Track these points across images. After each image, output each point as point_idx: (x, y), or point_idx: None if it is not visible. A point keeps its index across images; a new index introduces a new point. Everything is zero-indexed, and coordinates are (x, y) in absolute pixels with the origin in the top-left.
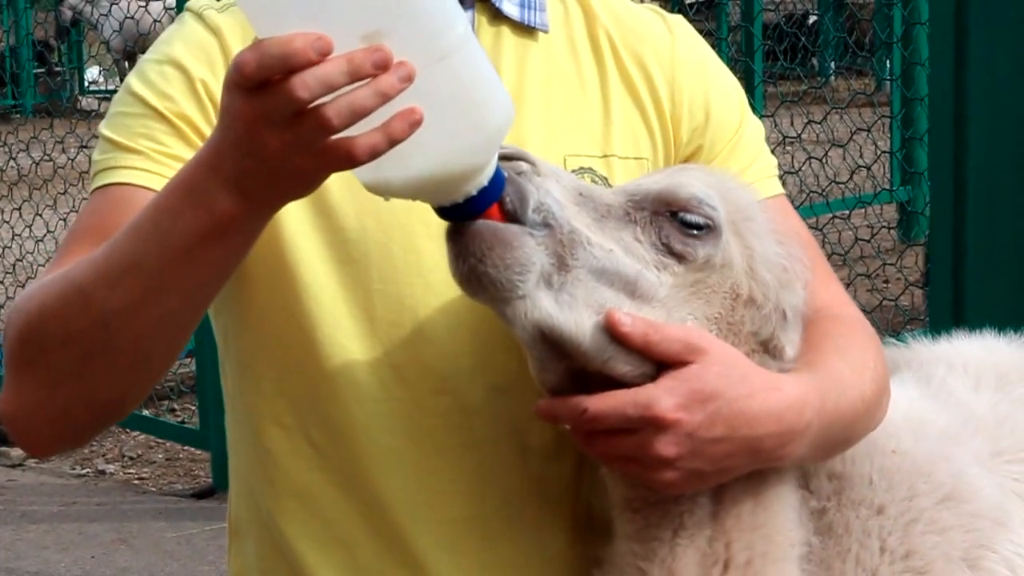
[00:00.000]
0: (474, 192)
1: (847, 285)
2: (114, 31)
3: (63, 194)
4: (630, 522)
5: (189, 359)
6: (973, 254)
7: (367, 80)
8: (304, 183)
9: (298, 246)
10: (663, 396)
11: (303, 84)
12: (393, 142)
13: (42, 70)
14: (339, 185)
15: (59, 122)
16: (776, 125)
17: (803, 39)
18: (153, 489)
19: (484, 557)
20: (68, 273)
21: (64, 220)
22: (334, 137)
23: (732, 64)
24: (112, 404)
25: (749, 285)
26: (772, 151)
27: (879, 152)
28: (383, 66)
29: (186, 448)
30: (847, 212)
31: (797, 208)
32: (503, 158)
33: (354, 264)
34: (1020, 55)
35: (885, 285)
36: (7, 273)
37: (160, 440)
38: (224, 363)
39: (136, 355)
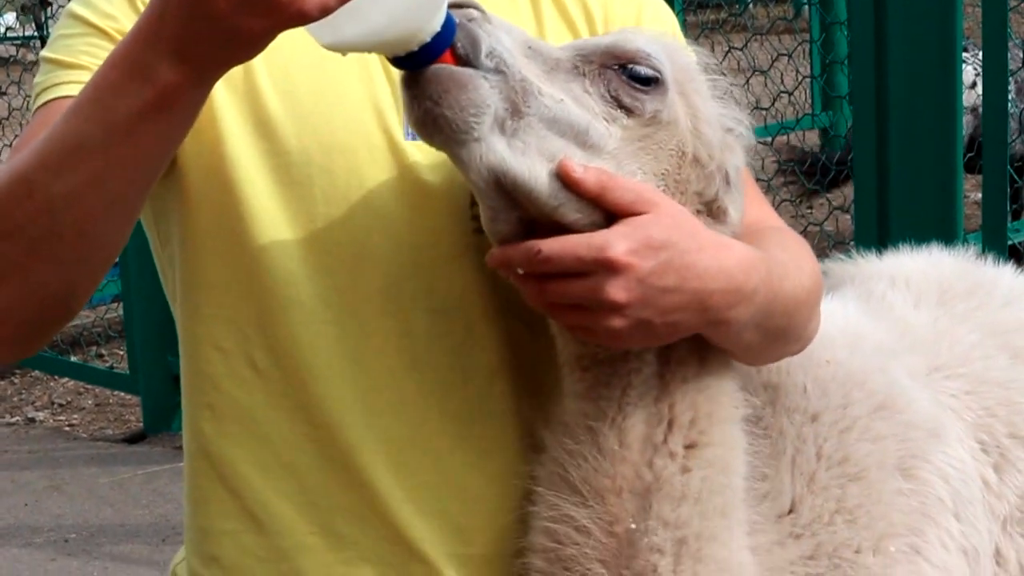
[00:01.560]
0: (427, 39)
1: (775, 207)
2: None
3: None
4: (579, 381)
5: (116, 304)
6: (896, 177)
7: None
8: (250, 44)
9: (241, 169)
10: (617, 240)
11: None
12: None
13: None
14: (281, 108)
15: None
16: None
17: None
18: (84, 435)
19: (428, 476)
20: (9, 167)
21: None
22: None
23: None
24: (59, 298)
25: (694, 144)
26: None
27: (800, 78)
28: None
29: (116, 393)
30: (770, 139)
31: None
32: (452, 6)
33: (297, 187)
34: None
35: (809, 211)
36: None
37: (89, 386)
38: (171, 294)
39: (82, 241)
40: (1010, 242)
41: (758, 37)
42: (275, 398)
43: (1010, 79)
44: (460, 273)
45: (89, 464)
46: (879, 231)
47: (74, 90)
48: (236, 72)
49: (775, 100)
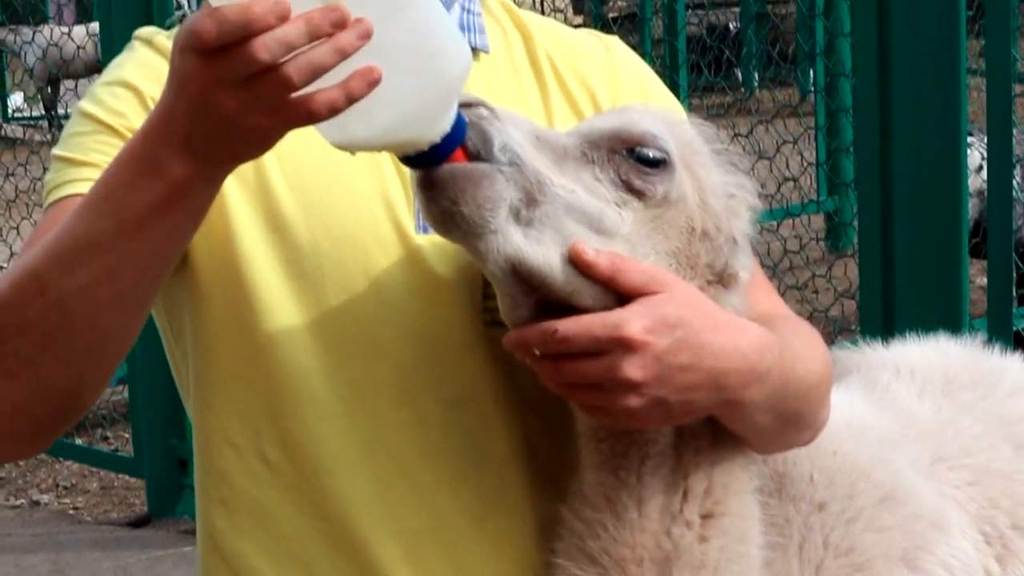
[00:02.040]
0: (438, 140)
1: (781, 294)
2: (37, 58)
3: None
4: (596, 452)
5: (122, 386)
6: (901, 263)
7: (324, 39)
8: (259, 142)
9: (251, 263)
10: (632, 318)
11: (264, 46)
12: (351, 100)
13: None
14: (292, 201)
15: None
16: None
17: (726, 52)
18: (88, 519)
19: (444, 568)
20: (20, 263)
21: None
22: (293, 95)
23: None
24: (70, 394)
25: (702, 218)
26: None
27: (805, 164)
28: (341, 24)
29: (120, 476)
30: (775, 224)
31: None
32: (462, 105)
33: (307, 279)
34: (942, 64)
35: (815, 296)
36: None
37: (94, 469)
38: (183, 388)
39: (93, 336)
40: (1016, 328)
41: (763, 122)
42: (288, 492)
43: (1016, 164)
44: (472, 363)
45: (93, 548)
46: (884, 317)
47: (85, 187)
48: (247, 165)
49: (780, 185)
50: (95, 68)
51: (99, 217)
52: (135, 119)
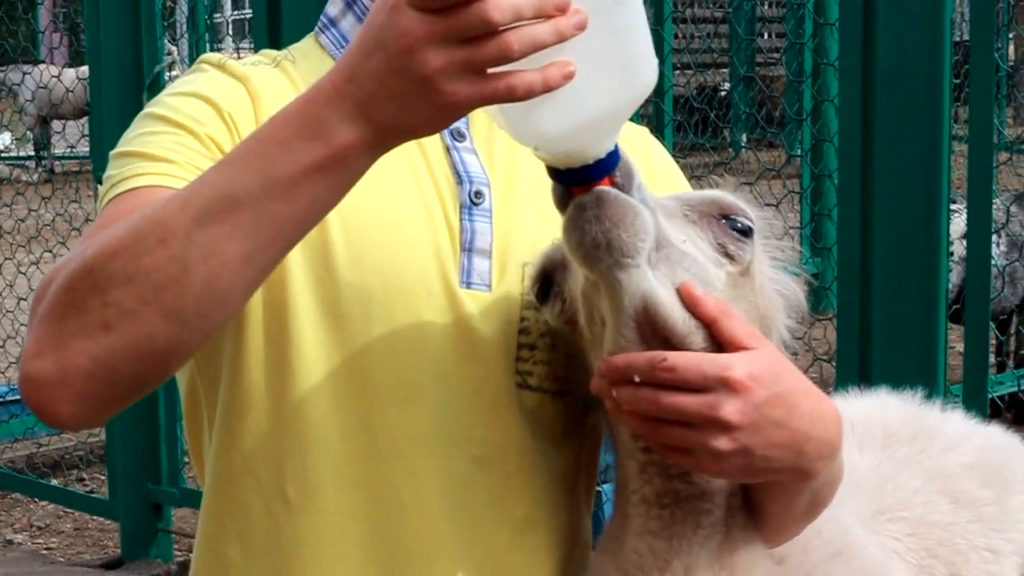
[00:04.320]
0: (603, 155)
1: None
2: (27, 100)
3: None
4: (656, 519)
5: (98, 428)
6: (879, 328)
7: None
8: (444, 114)
9: (298, 298)
10: (739, 363)
11: (497, 6)
12: (547, 87)
13: None
14: (344, 240)
15: None
16: None
17: (713, 113)
18: (61, 559)
19: None
20: (142, 212)
21: None
22: (495, 70)
23: None
24: (163, 354)
25: (763, 302)
26: None
27: (787, 227)
28: (563, 9)
29: (95, 518)
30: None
31: None
32: None
33: (352, 321)
34: (926, 132)
35: (794, 358)
36: None
37: (69, 510)
38: (196, 417)
39: (207, 296)
40: (994, 395)
41: (747, 184)
42: (305, 531)
43: (999, 234)
44: (502, 423)
45: None
46: (860, 381)
47: (163, 181)
48: None
49: None
50: (83, 111)
51: (245, 173)
52: (214, 129)
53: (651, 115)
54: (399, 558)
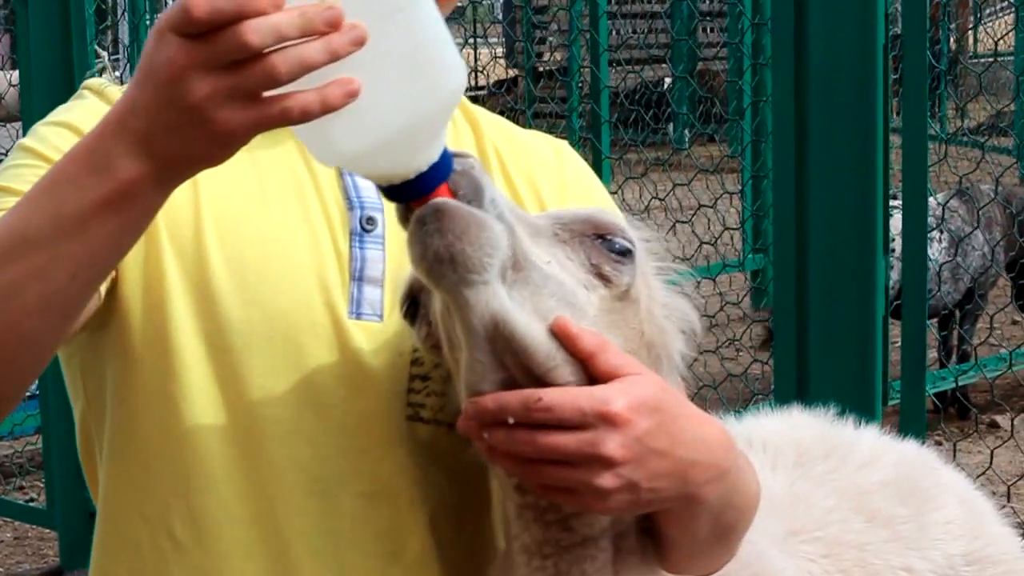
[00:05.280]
0: (425, 168)
1: (699, 354)
2: None
3: None
4: (539, 569)
5: (36, 436)
6: (816, 328)
7: (314, 37)
8: (222, 143)
9: (180, 332)
10: (618, 396)
11: (255, 30)
12: (328, 108)
13: None
14: (226, 272)
15: None
16: (622, 197)
17: (653, 110)
18: (0, 569)
19: None
20: None
21: None
22: (268, 93)
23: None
24: None
25: (648, 326)
26: (638, 214)
27: (725, 224)
28: (335, 25)
29: (34, 527)
30: (697, 281)
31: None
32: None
33: (234, 354)
34: (860, 130)
35: (737, 354)
36: None
37: (7, 519)
38: (88, 452)
39: (12, 339)
40: (937, 390)
41: (681, 185)
42: (191, 572)
43: (940, 230)
44: (391, 459)
45: None
46: (798, 379)
47: None
48: (186, 232)
49: (701, 244)
50: (14, 116)
51: (37, 212)
52: None
53: (587, 113)
54: None
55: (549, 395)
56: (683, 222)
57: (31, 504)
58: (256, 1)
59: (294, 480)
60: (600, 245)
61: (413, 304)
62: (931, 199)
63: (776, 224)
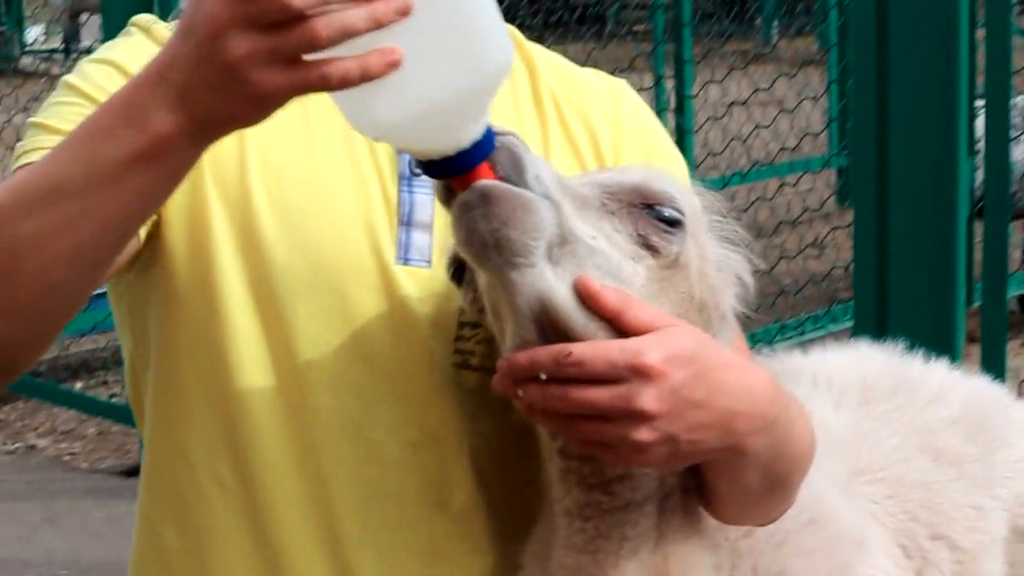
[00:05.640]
0: (467, 144)
1: (796, 254)
2: None
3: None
4: (579, 532)
5: None
6: (896, 227)
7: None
8: (258, 104)
9: (225, 279)
10: (651, 347)
11: None
12: (367, 76)
13: None
14: (272, 218)
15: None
16: (706, 97)
17: (739, 5)
18: (84, 465)
19: None
20: None
21: None
22: (308, 56)
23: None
24: (6, 350)
25: (700, 288)
26: (719, 117)
27: (806, 126)
28: None
29: (118, 422)
30: (781, 182)
31: (742, 173)
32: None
33: (279, 301)
34: (941, 25)
35: (821, 253)
36: None
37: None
38: (136, 397)
39: (40, 289)
40: (1020, 292)
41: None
42: (239, 518)
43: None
44: (438, 406)
45: (85, 497)
46: (879, 281)
47: None
48: (231, 178)
49: (782, 147)
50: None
51: (71, 162)
52: None
53: (672, 4)
54: (332, 546)
55: (579, 349)
56: (764, 127)
57: (113, 400)
58: None
59: (339, 428)
60: (648, 215)
61: (460, 268)
62: (1017, 99)
63: (857, 124)
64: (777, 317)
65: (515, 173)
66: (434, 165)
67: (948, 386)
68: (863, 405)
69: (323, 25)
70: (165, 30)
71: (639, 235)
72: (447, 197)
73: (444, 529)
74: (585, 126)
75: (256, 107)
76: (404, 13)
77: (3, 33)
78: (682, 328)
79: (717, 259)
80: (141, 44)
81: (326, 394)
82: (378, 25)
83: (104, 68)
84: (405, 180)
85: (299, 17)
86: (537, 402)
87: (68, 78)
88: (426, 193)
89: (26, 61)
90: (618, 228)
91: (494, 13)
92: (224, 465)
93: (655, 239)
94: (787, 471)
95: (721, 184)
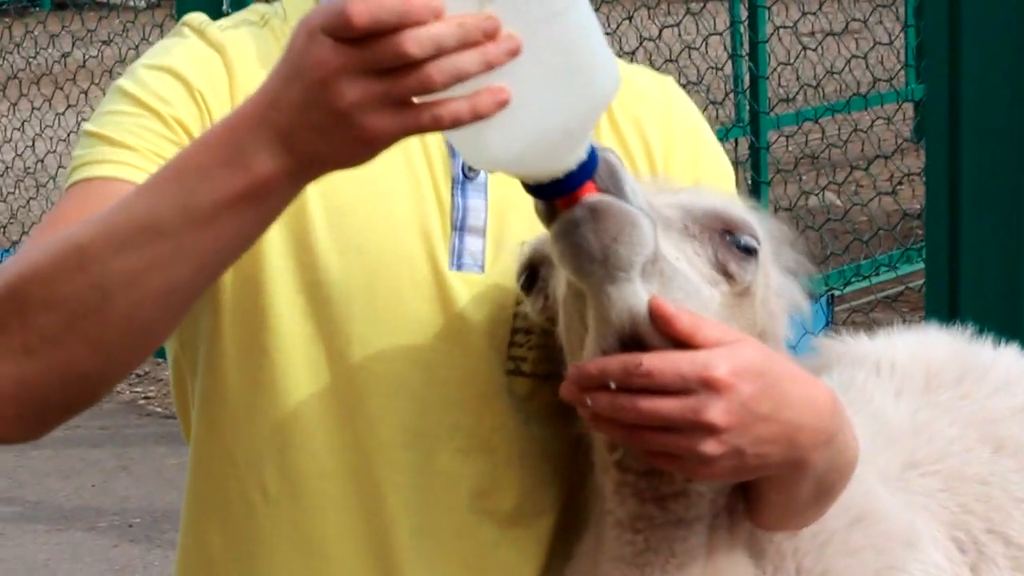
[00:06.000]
0: (574, 166)
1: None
2: None
3: (84, 93)
4: (629, 544)
5: None
6: (969, 165)
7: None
8: (367, 147)
9: (276, 283)
10: (719, 360)
11: (415, 40)
12: (477, 116)
13: None
14: (325, 222)
15: (79, 16)
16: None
17: None
18: (158, 409)
19: None
20: (65, 233)
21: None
22: (420, 99)
23: None
24: (87, 382)
25: (762, 315)
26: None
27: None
28: (492, 35)
29: None
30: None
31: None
32: None
33: (333, 305)
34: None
35: (897, 188)
36: (27, 173)
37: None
38: (182, 402)
39: (129, 327)
40: None
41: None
42: (283, 527)
43: None
44: (490, 414)
45: (159, 443)
46: (950, 241)
47: (116, 171)
48: None
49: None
50: None
51: (165, 200)
52: (182, 110)
53: None
54: (381, 554)
55: (650, 360)
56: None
57: None
58: (417, 11)
59: (392, 434)
60: (727, 241)
61: (532, 275)
62: None
63: (927, 65)
64: (852, 257)
65: (615, 188)
66: (542, 187)
67: (1017, 373)
68: (926, 392)
69: (437, 71)
70: (219, 32)
71: (718, 261)
72: (548, 213)
73: (493, 538)
74: (635, 126)
75: (364, 149)
76: (514, 54)
77: None
78: (749, 342)
79: (777, 286)
80: (197, 48)
81: (382, 400)
82: (490, 67)
83: (160, 75)
84: (458, 183)
85: (413, 64)
86: (605, 411)
87: (123, 84)
88: (479, 197)
89: None
90: (698, 251)
91: (599, 39)
92: (270, 473)
93: (733, 267)
94: (834, 482)
95: (823, 112)
